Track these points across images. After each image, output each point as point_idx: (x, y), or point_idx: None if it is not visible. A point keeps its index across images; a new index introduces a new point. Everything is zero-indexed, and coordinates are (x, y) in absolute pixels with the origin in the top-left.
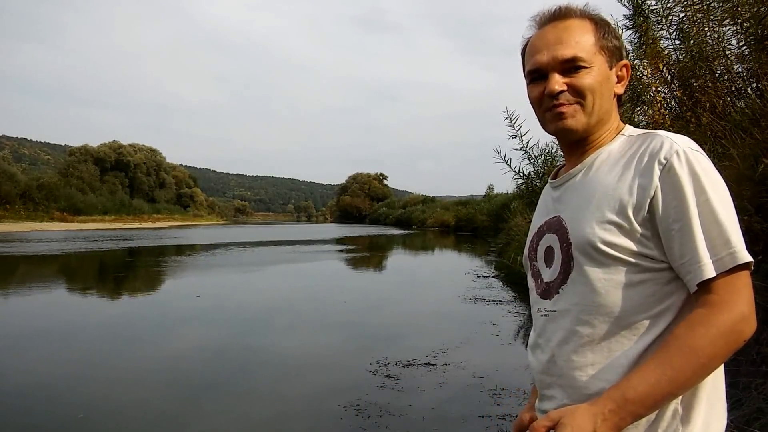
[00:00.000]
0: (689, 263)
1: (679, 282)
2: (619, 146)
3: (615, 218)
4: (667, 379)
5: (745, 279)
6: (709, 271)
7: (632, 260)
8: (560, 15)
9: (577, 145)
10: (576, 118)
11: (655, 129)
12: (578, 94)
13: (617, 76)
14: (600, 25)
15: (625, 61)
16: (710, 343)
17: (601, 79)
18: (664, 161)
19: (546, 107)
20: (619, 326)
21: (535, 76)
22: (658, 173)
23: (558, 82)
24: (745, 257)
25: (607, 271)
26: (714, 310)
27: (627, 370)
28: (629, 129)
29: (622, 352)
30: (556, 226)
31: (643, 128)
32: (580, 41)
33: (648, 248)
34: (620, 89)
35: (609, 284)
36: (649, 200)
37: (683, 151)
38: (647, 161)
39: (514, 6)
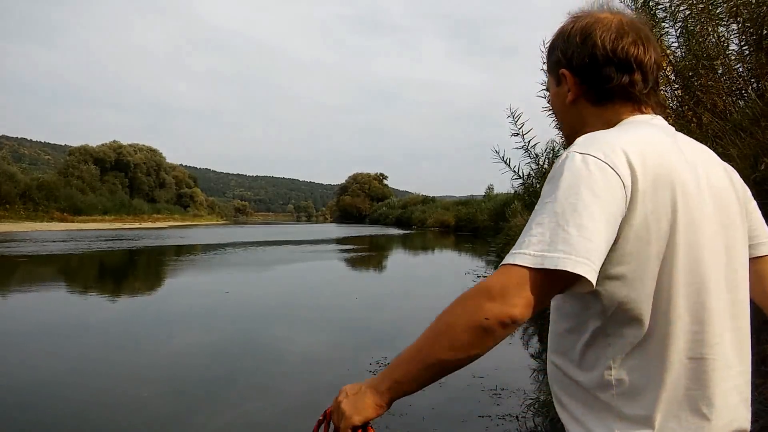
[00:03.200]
0: None
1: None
2: None
3: None
4: (416, 349)
5: (515, 271)
6: (503, 261)
7: None
8: None
9: None
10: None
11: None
12: None
13: (567, 87)
14: (550, 42)
15: (560, 71)
16: (450, 310)
17: (552, 97)
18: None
19: None
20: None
21: None
22: None
23: None
24: (513, 260)
25: None
26: (473, 287)
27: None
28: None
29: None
30: None
31: None
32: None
33: None
34: (570, 96)
35: None
36: None
37: (564, 155)
38: None
39: (514, 6)
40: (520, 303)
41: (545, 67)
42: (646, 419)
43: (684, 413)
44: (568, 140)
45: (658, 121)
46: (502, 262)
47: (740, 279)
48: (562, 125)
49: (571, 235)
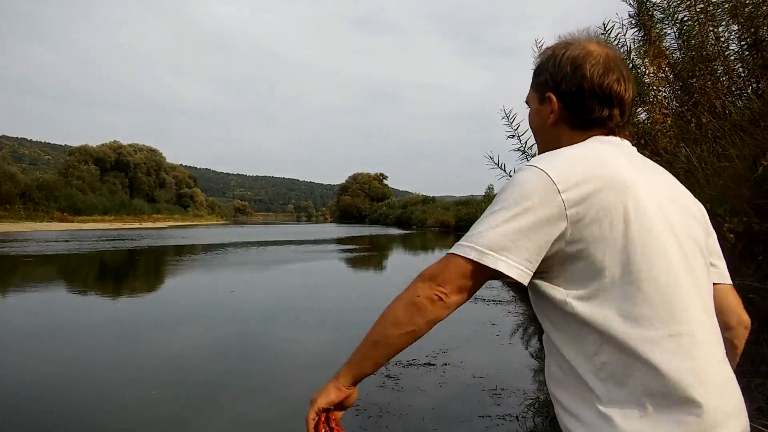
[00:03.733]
0: None
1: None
2: None
3: None
4: (369, 331)
5: (454, 260)
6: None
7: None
8: None
9: None
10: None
11: (654, 129)
12: None
13: (550, 108)
14: (538, 61)
15: (547, 94)
16: (396, 298)
17: (532, 115)
18: None
19: None
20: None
21: None
22: None
23: None
24: (460, 251)
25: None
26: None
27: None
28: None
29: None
30: None
31: (643, 128)
32: (531, 84)
33: None
34: (552, 118)
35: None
36: None
37: (520, 166)
38: None
39: (514, 7)
40: (444, 284)
41: (531, 81)
42: (635, 401)
43: (671, 393)
44: (540, 151)
45: (620, 142)
46: (451, 250)
47: (703, 272)
48: (537, 141)
49: (483, 234)
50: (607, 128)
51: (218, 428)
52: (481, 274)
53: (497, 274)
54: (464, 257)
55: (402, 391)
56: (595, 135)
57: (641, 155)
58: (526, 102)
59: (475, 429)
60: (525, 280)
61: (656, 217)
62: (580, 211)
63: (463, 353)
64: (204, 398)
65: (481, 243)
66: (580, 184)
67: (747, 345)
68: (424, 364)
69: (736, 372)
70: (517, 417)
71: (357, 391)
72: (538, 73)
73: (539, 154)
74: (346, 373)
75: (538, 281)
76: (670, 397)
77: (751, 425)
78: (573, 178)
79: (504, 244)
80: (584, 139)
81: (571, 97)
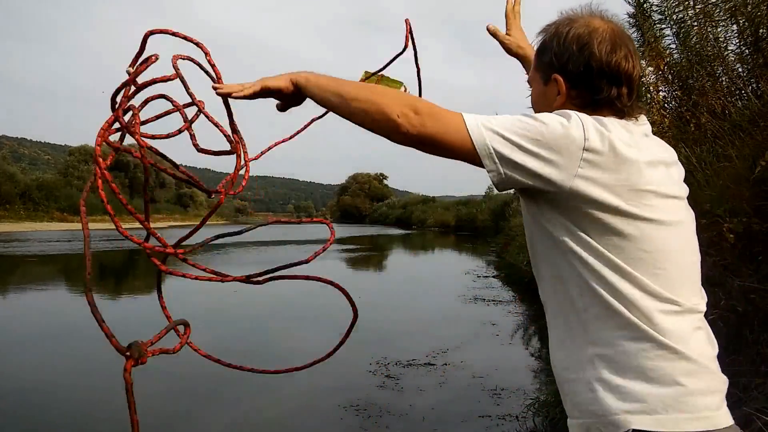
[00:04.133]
0: None
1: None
2: None
3: None
4: (343, 83)
5: (450, 116)
6: None
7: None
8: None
9: None
10: None
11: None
12: None
13: (557, 90)
14: (542, 40)
15: (553, 76)
16: (383, 93)
17: (535, 97)
18: None
19: None
20: (560, 313)
21: None
22: None
23: None
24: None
25: None
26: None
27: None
28: None
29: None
30: None
31: None
32: (532, 64)
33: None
34: (559, 100)
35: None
36: None
37: None
38: None
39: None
40: (429, 125)
41: (536, 58)
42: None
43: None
44: None
45: (640, 122)
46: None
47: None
48: None
49: (509, 129)
50: (616, 109)
51: (221, 428)
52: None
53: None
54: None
55: (402, 391)
56: (606, 116)
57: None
58: (528, 82)
59: (475, 429)
60: None
61: (664, 197)
62: None
63: (463, 353)
64: (207, 398)
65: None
66: None
67: (747, 345)
68: (424, 364)
69: (736, 372)
70: (517, 417)
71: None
72: (541, 52)
73: None
74: (301, 79)
75: None
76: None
77: (752, 424)
78: None
79: None
80: None
81: (578, 77)
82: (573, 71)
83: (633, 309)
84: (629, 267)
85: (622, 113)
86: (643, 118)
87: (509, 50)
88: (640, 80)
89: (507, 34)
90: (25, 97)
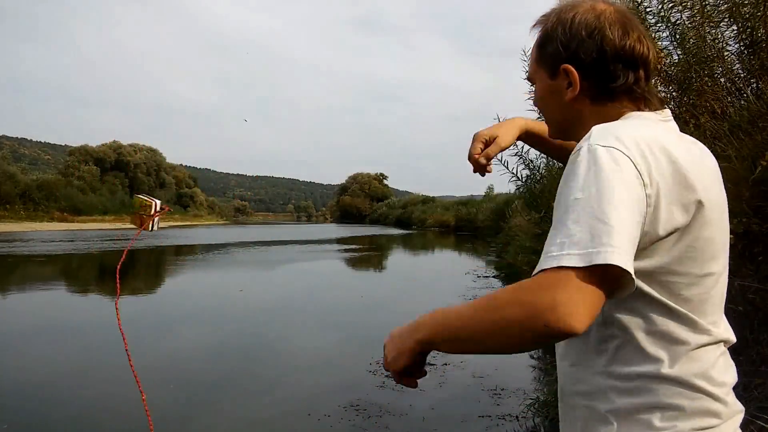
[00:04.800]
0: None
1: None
2: None
3: None
4: (458, 314)
5: (567, 276)
6: (537, 267)
7: None
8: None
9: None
10: (549, 129)
11: None
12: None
13: (567, 82)
14: (543, 32)
15: (562, 66)
16: (504, 299)
17: (541, 93)
18: (570, 160)
19: None
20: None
21: None
22: None
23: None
24: (558, 263)
25: None
26: (523, 284)
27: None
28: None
29: (579, 358)
30: None
31: None
32: (531, 57)
33: None
34: (570, 94)
35: None
36: None
37: (582, 148)
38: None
39: (514, 7)
40: (581, 312)
41: (536, 52)
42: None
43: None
44: (557, 136)
45: (665, 116)
46: (544, 266)
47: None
48: (549, 121)
49: (614, 228)
50: (634, 95)
51: (218, 427)
52: None
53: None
54: None
55: (402, 391)
56: (622, 105)
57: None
58: (529, 79)
59: (475, 429)
60: None
61: (717, 213)
62: None
63: None
64: (210, 398)
65: None
66: None
67: (747, 345)
68: None
69: (736, 372)
70: (517, 417)
71: None
72: (543, 43)
73: (552, 134)
74: (423, 344)
75: None
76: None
77: (751, 424)
78: None
79: None
80: (611, 112)
81: (591, 65)
82: (585, 59)
83: (663, 342)
84: (672, 302)
85: (641, 100)
86: (667, 113)
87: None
88: (655, 63)
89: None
90: (25, 97)
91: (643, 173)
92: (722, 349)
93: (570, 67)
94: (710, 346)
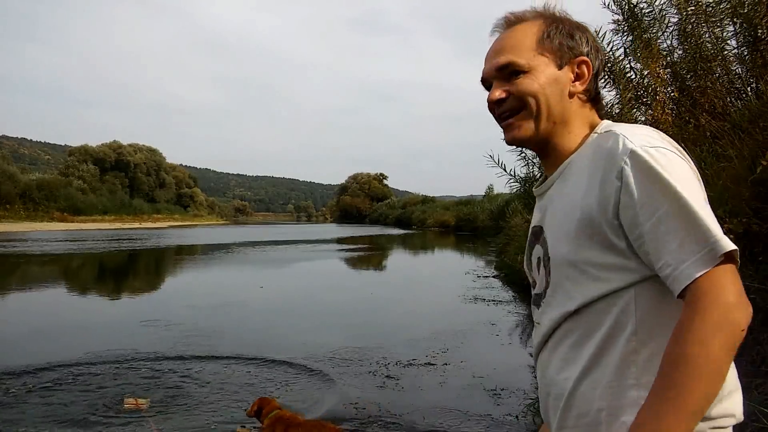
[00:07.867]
0: (664, 268)
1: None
2: (588, 150)
3: (588, 234)
4: (678, 402)
5: (725, 270)
6: (686, 277)
7: (611, 275)
8: (508, 23)
9: (542, 152)
10: (523, 128)
11: (658, 129)
12: (519, 100)
13: (575, 74)
14: (548, 24)
15: (581, 58)
16: (702, 343)
17: (544, 81)
18: (620, 167)
19: (498, 119)
20: (597, 345)
21: (485, 86)
22: (617, 182)
23: (496, 90)
24: (725, 247)
25: (584, 288)
26: (696, 310)
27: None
28: (604, 125)
29: (600, 368)
30: (540, 237)
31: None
32: (518, 46)
33: (627, 259)
34: (579, 87)
35: (585, 301)
36: (615, 211)
37: (637, 152)
38: (606, 168)
39: (513, 8)
40: (740, 297)
41: (534, 40)
42: None
43: None
44: (534, 133)
45: None
46: (709, 262)
47: None
48: (540, 110)
49: (711, 220)
50: (599, 105)
51: (224, 427)
52: None
53: None
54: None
55: (402, 391)
56: (595, 111)
57: None
58: (524, 69)
59: (475, 429)
60: None
61: None
62: None
63: (463, 353)
64: (207, 398)
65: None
66: None
67: (747, 345)
68: (424, 364)
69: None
70: (517, 417)
71: None
72: (552, 35)
73: (540, 126)
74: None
75: None
76: None
77: (751, 425)
78: None
79: None
80: (589, 115)
81: (596, 67)
82: (593, 59)
83: None
84: None
85: (601, 108)
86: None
87: None
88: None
89: None
90: (25, 97)
91: (695, 171)
92: None
93: (588, 60)
94: None
